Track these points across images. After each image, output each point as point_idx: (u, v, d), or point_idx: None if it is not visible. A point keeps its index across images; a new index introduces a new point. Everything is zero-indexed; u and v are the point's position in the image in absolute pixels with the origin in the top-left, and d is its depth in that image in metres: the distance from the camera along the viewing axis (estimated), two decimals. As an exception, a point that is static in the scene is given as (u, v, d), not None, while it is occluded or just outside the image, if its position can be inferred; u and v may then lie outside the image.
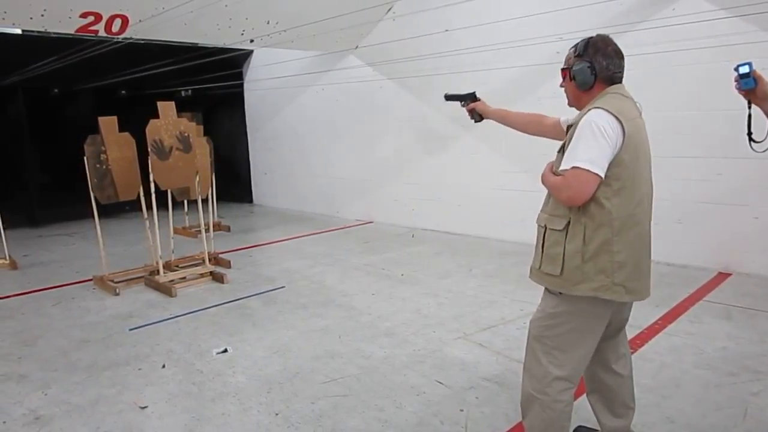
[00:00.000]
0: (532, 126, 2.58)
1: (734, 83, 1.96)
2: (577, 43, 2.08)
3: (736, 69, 1.93)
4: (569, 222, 1.98)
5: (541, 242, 2.08)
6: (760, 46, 4.44)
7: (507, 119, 2.67)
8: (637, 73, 4.93)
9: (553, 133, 2.47)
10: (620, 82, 2.07)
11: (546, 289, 2.12)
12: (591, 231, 1.94)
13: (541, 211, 2.15)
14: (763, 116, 1.96)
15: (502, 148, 6.46)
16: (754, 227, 4.81)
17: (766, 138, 1.99)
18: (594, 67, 2.01)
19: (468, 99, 2.78)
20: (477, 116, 2.77)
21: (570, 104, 2.19)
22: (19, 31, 6.88)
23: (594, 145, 1.87)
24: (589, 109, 1.95)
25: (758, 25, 4.52)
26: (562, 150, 2.04)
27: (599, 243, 1.93)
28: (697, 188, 5.07)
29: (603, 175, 1.89)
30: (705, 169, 5.00)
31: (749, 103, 1.99)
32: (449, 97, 2.87)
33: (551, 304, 2.07)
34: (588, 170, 1.87)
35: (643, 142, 2.01)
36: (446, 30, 6.58)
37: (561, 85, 2.18)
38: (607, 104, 1.93)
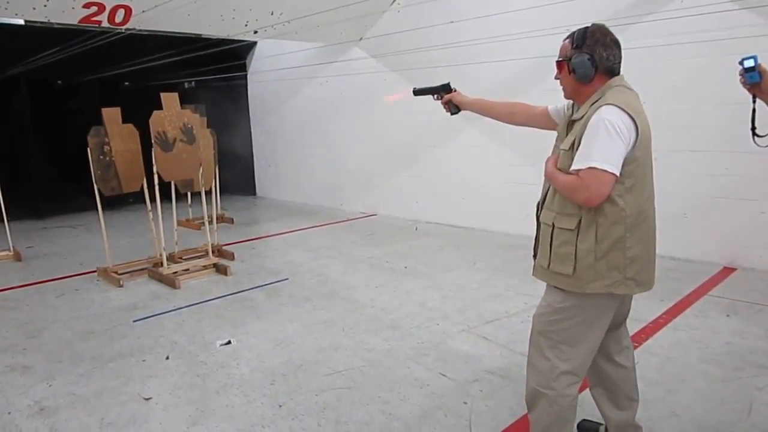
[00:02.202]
0: (519, 116, 2.49)
1: (739, 77, 1.95)
2: (573, 33, 2.00)
3: (741, 63, 1.92)
4: (580, 221, 1.94)
5: (549, 241, 2.04)
6: (769, 38, 4.40)
7: (489, 110, 2.57)
8: (644, 66, 4.94)
9: (541, 123, 2.41)
10: (619, 73, 2.02)
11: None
12: (604, 229, 1.91)
13: (545, 208, 2.10)
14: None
15: (507, 140, 6.43)
16: (761, 222, 4.78)
17: None
18: (594, 59, 1.95)
19: (441, 91, 2.66)
20: (454, 108, 2.65)
21: (567, 97, 2.13)
22: (21, 22, 6.86)
23: (609, 144, 1.83)
24: (600, 106, 1.89)
25: (767, 17, 4.47)
26: (571, 147, 1.96)
27: (612, 241, 1.91)
28: (703, 182, 5.04)
29: (618, 174, 1.85)
30: (711, 164, 4.96)
31: (754, 97, 1.98)
32: (419, 92, 2.75)
33: (558, 299, 2.04)
34: (605, 170, 1.82)
35: (650, 136, 1.98)
36: (451, 21, 6.54)
37: (556, 78, 2.11)
38: (618, 100, 1.88)
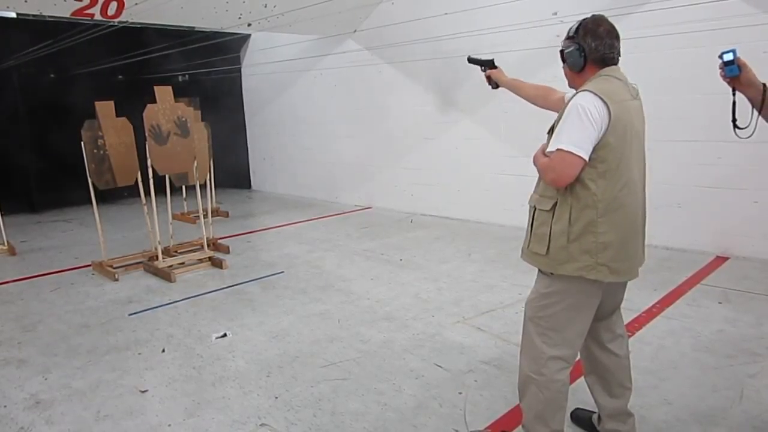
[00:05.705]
0: (540, 99, 2.57)
1: (719, 70, 1.97)
2: (572, 25, 2.08)
3: (721, 56, 1.94)
4: (556, 203, 2.00)
5: (531, 222, 2.12)
6: (762, 28, 4.40)
7: (519, 90, 2.67)
8: (638, 56, 4.94)
9: (557, 108, 2.43)
10: (615, 63, 2.05)
11: (539, 270, 2.14)
12: (576, 212, 1.96)
13: (533, 192, 2.17)
14: (747, 103, 1.97)
15: (502, 132, 6.43)
16: (753, 211, 4.81)
17: (749, 124, 2.00)
18: (583, 49, 2.01)
19: (487, 65, 2.81)
20: (494, 83, 2.80)
21: (569, 86, 2.19)
22: (13, 15, 6.81)
23: (579, 127, 1.89)
24: (577, 92, 1.96)
25: (760, 7, 4.47)
26: (550, 131, 2.04)
27: (584, 224, 1.96)
28: (696, 172, 5.06)
29: (587, 158, 1.90)
30: (705, 153, 4.98)
31: (733, 90, 2.00)
32: (471, 60, 2.91)
33: (544, 284, 2.10)
34: (571, 153, 1.89)
35: (633, 124, 1.99)
36: (445, 13, 6.52)
37: (563, 68, 2.18)
38: (595, 87, 1.94)
